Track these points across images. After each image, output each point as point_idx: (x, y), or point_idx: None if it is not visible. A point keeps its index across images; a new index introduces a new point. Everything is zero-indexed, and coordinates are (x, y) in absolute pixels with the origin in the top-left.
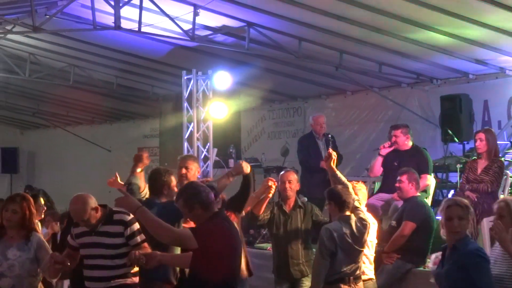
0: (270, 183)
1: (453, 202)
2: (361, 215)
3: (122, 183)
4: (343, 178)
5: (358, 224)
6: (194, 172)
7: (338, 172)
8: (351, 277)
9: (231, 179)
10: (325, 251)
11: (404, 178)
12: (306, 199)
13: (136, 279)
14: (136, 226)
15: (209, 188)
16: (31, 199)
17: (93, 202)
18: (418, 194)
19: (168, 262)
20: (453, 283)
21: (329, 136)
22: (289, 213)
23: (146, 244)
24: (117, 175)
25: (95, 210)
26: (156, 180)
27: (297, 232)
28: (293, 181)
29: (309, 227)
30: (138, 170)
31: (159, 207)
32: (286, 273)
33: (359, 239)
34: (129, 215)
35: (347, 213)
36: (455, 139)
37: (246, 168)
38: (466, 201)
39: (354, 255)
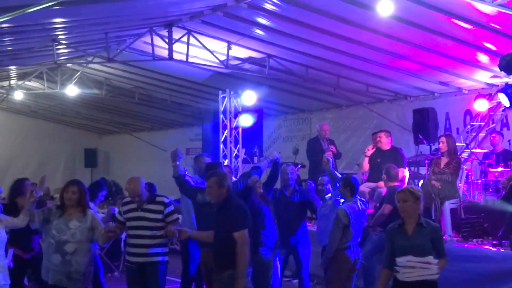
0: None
1: (400, 190)
2: (362, 198)
3: None
4: (338, 175)
5: (362, 205)
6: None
7: (334, 172)
8: (355, 244)
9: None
10: (341, 224)
11: (384, 172)
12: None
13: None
14: (173, 207)
15: (255, 168)
16: (84, 184)
17: (143, 182)
18: (396, 183)
19: (196, 236)
20: (425, 251)
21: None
22: (289, 196)
23: (179, 222)
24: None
25: (144, 188)
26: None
27: (295, 210)
28: (294, 173)
29: (303, 206)
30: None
31: None
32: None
33: (363, 215)
34: (168, 198)
35: (355, 196)
36: (424, 141)
37: (277, 153)
38: (410, 188)
39: (359, 227)
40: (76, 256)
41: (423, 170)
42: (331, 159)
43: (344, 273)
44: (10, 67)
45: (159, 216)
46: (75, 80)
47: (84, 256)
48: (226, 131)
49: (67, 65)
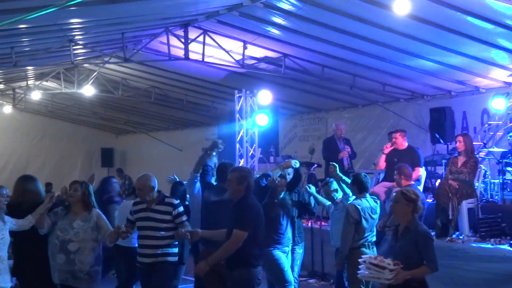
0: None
1: (397, 190)
2: (373, 196)
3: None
4: (347, 180)
5: (373, 201)
6: None
7: (342, 177)
8: (370, 243)
9: (279, 170)
10: (352, 220)
11: (396, 172)
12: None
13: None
14: (181, 209)
15: (265, 175)
16: (89, 185)
17: (153, 181)
18: (412, 182)
19: (208, 236)
20: (407, 255)
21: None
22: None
23: (187, 223)
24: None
25: (152, 188)
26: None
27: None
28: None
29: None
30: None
31: None
32: None
33: (374, 212)
34: (177, 200)
35: (364, 193)
36: (441, 141)
37: (294, 163)
38: (405, 190)
39: (372, 224)
40: (79, 255)
41: (440, 170)
42: (346, 159)
43: None
44: (28, 68)
45: (167, 217)
46: (91, 80)
47: (88, 255)
48: (242, 130)
49: (84, 65)
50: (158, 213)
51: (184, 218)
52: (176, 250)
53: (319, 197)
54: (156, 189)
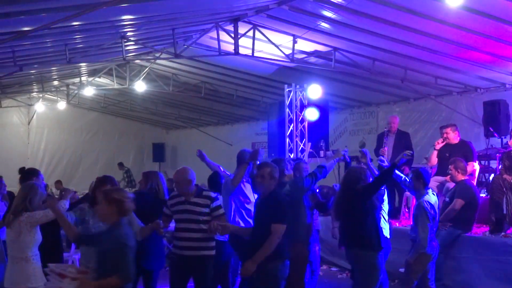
0: None
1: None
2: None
3: None
4: (375, 171)
5: (435, 197)
6: None
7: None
8: (435, 238)
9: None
10: (430, 216)
11: (451, 167)
12: None
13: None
14: (220, 201)
15: (320, 167)
16: (115, 180)
17: (191, 174)
18: (467, 177)
19: (236, 231)
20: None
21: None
22: None
23: (224, 217)
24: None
25: (190, 181)
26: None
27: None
28: (307, 170)
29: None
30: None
31: None
32: None
33: (438, 208)
34: (215, 193)
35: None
36: (495, 134)
37: (343, 150)
38: (106, 190)
39: (436, 221)
40: None
41: (494, 164)
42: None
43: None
44: (81, 64)
45: (205, 210)
46: (143, 76)
47: None
48: (292, 125)
49: (136, 61)
50: (197, 206)
51: (222, 211)
52: (214, 243)
53: None
54: (194, 183)
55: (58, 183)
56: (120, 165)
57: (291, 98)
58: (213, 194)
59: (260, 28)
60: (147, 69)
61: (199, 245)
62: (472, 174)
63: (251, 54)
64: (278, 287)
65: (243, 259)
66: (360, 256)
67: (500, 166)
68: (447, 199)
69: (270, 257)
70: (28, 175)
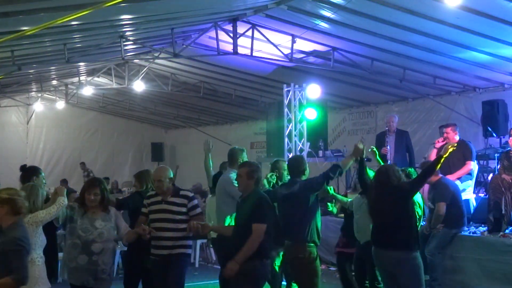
0: None
1: None
2: None
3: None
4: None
5: None
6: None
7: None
8: None
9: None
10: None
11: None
12: None
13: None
14: (196, 201)
15: (336, 166)
16: (104, 181)
17: (170, 173)
18: (439, 176)
19: (216, 230)
20: None
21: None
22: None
23: (202, 216)
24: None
25: (171, 180)
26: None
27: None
28: None
29: None
30: None
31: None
32: None
33: None
34: (192, 193)
35: None
36: (494, 134)
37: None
38: None
39: None
40: (102, 256)
41: (492, 164)
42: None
43: None
44: (80, 64)
45: (183, 210)
46: (142, 76)
47: (109, 255)
48: (291, 124)
49: (134, 61)
50: (174, 205)
51: (199, 210)
52: (190, 242)
53: (339, 196)
54: (170, 182)
55: (63, 182)
56: (82, 164)
57: (289, 98)
58: (190, 194)
59: (259, 28)
60: (146, 68)
61: (175, 244)
62: (470, 173)
63: (250, 54)
64: (256, 287)
65: (225, 260)
66: (404, 259)
67: (498, 166)
68: (430, 205)
69: (248, 256)
70: (29, 173)
